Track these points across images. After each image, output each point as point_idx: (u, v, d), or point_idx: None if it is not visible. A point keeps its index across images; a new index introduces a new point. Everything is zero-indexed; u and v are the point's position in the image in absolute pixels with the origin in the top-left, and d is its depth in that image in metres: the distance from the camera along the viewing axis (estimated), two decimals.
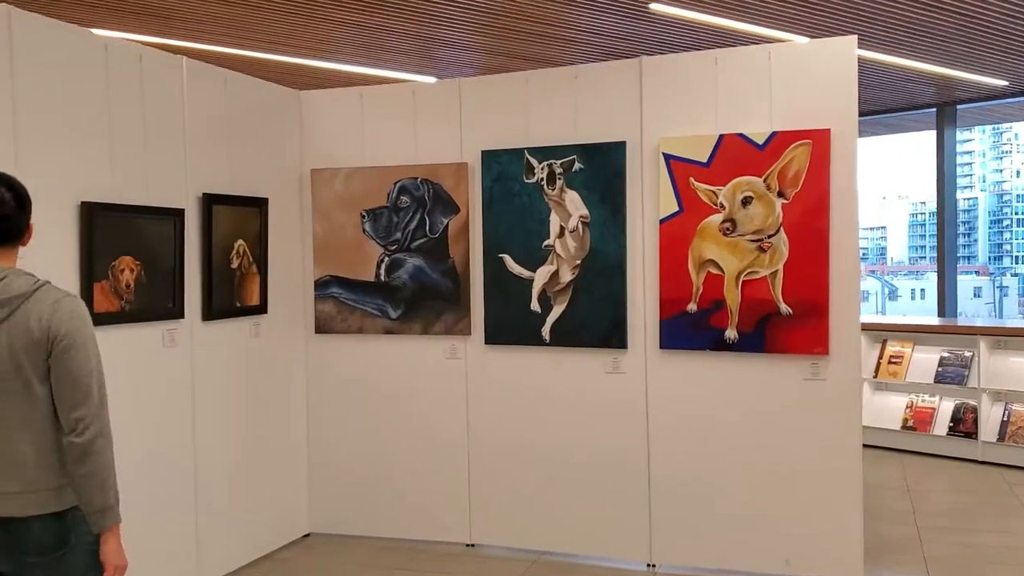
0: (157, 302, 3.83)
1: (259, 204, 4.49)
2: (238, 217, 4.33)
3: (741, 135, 4.01)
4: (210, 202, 4.14)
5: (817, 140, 3.88)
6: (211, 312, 4.16)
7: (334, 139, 4.84)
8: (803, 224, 3.91)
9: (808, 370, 3.97)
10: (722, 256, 4.05)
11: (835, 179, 3.90)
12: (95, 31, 3.63)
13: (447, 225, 4.62)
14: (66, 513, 2.18)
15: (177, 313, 3.94)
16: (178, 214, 3.93)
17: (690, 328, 4.12)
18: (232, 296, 4.31)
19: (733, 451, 4.11)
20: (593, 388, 4.36)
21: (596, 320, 4.30)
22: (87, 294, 3.46)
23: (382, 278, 4.74)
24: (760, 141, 3.97)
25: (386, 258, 4.73)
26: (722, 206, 4.04)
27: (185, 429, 4.04)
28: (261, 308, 4.53)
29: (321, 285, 4.85)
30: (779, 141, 3.94)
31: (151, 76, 3.84)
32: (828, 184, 3.89)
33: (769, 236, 3.96)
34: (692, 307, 4.11)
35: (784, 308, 3.95)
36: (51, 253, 3.33)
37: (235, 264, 4.33)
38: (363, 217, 4.76)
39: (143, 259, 3.74)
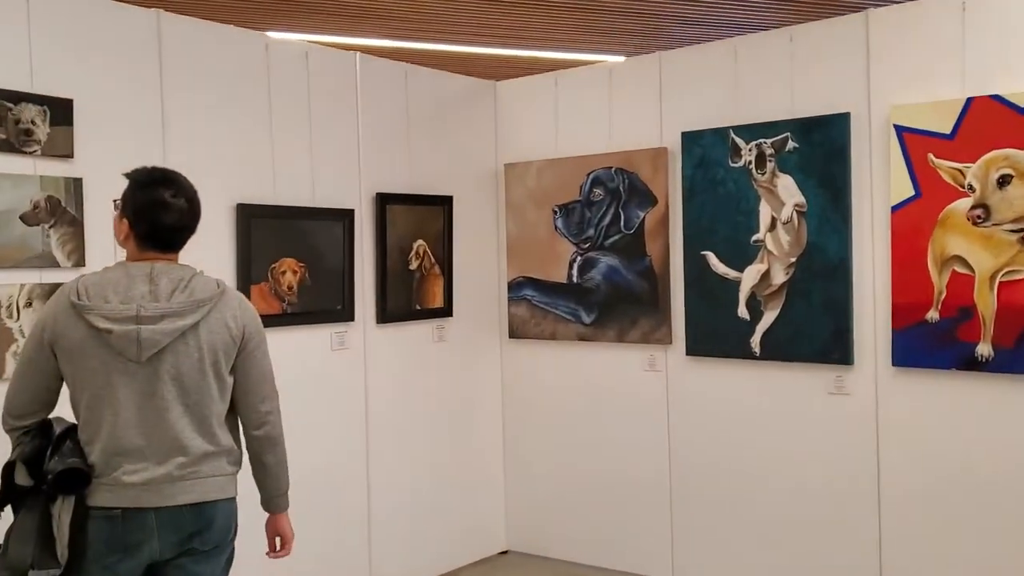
0: (323, 304, 3.78)
1: (442, 203, 4.33)
2: (418, 217, 4.20)
3: (996, 97, 3.20)
4: (384, 202, 4.03)
5: None
6: (386, 315, 4.05)
7: (528, 130, 4.59)
8: None
9: None
10: (972, 251, 3.25)
11: None
12: (271, 34, 3.62)
13: (643, 219, 4.18)
14: (234, 500, 2.29)
15: (346, 316, 3.87)
16: (347, 215, 3.85)
17: (930, 341, 3.36)
18: (410, 298, 4.19)
19: (990, 508, 3.30)
20: (811, 411, 3.72)
21: (814, 329, 3.66)
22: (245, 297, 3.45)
23: (574, 279, 4.41)
24: (1023, 103, 3.13)
25: (578, 257, 4.39)
26: (971, 188, 3.25)
27: (357, 434, 3.97)
28: (445, 311, 4.37)
29: (514, 287, 4.61)
30: None
31: (319, 74, 3.80)
32: None
33: None
34: (933, 315, 3.35)
35: None
36: (208, 255, 3.35)
37: (414, 265, 4.20)
38: (555, 213, 4.45)
39: (307, 261, 3.70)
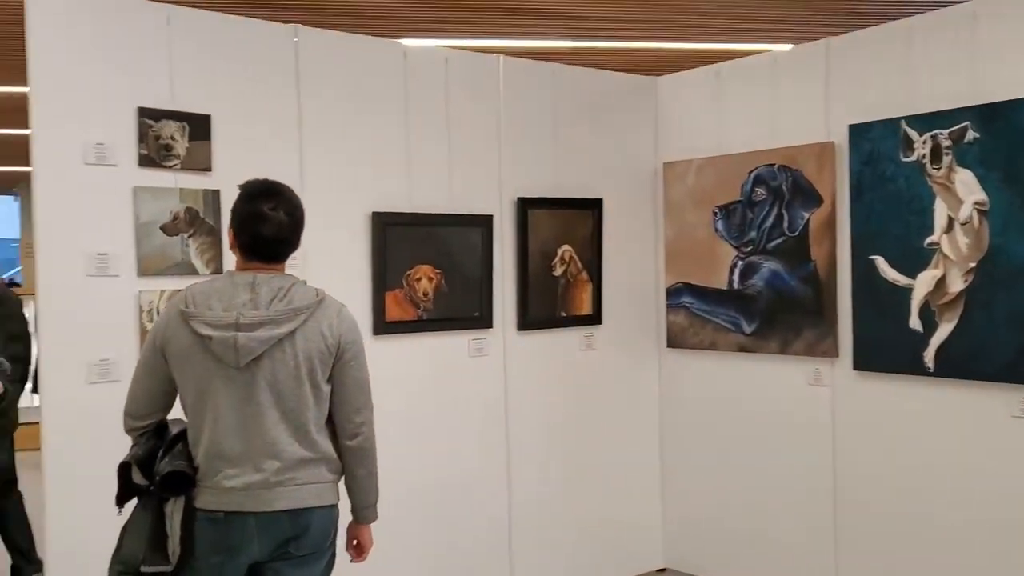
0: (460, 311, 3.79)
1: (591, 206, 4.22)
2: (563, 221, 4.12)
3: None
4: (526, 206, 3.98)
5: None
6: (527, 321, 4.00)
7: (689, 127, 4.39)
8: None
9: None
10: None
11: None
12: (405, 41, 3.69)
13: (808, 220, 3.87)
14: (335, 507, 2.35)
15: (484, 322, 3.85)
16: (485, 221, 3.83)
17: None
18: (555, 305, 4.11)
19: None
20: (992, 436, 3.28)
21: (997, 344, 3.23)
22: (378, 303, 3.52)
23: (735, 285, 4.15)
24: None
25: (739, 262, 4.13)
26: None
27: (497, 441, 3.94)
28: (594, 318, 4.25)
29: (673, 293, 4.42)
30: None
31: (459, 80, 3.81)
32: None
33: None
34: None
35: None
36: (343, 263, 3.46)
37: (558, 271, 4.12)
38: (715, 214, 4.22)
39: (444, 267, 3.72)
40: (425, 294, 3.68)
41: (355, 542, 2.47)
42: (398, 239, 3.59)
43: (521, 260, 3.99)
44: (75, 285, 2.82)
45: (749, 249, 4.09)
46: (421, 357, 3.68)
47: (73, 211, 2.83)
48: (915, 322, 3.47)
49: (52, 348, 2.82)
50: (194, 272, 3.09)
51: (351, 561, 2.48)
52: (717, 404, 4.28)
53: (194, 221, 3.10)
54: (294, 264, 2.46)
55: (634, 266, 4.44)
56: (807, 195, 3.86)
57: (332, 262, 3.42)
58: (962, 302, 3.33)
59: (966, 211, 3.31)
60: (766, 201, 4.02)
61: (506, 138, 3.97)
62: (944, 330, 3.39)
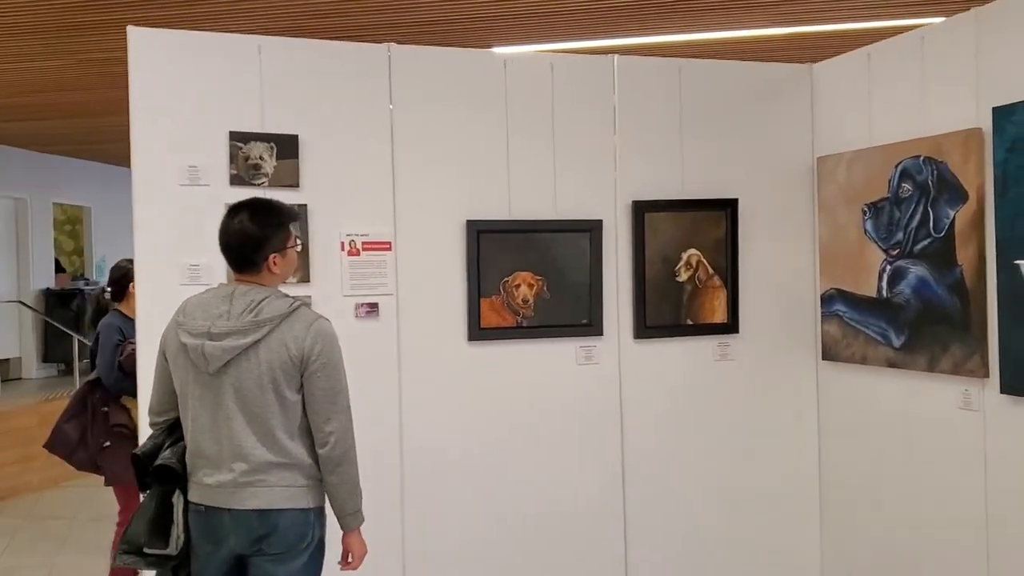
0: (566, 318, 3.78)
1: (723, 207, 3.99)
2: (688, 224, 3.95)
3: None
4: (642, 210, 3.87)
5: None
6: (645, 330, 3.88)
7: (842, 118, 4.00)
8: None
9: None
10: None
11: None
12: (497, 49, 3.74)
13: (953, 219, 3.38)
14: (310, 511, 2.48)
15: (594, 330, 3.80)
16: (594, 226, 3.78)
17: None
18: (678, 313, 3.94)
19: None
20: None
21: None
22: (474, 310, 3.61)
23: (884, 293, 3.73)
24: None
25: (888, 266, 3.71)
26: None
27: (611, 455, 3.85)
28: (729, 326, 4.02)
29: (826, 301, 4.05)
30: None
31: (567, 84, 3.80)
32: None
33: None
34: None
35: None
36: (439, 271, 3.60)
37: (683, 276, 3.95)
38: (864, 213, 3.81)
39: (546, 274, 3.73)
40: (524, 301, 3.71)
41: (350, 552, 2.57)
42: (494, 246, 3.65)
43: (637, 265, 3.87)
44: (171, 293, 3.20)
45: (896, 252, 3.64)
46: (520, 366, 3.71)
47: (169, 227, 3.23)
48: None
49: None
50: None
51: (341, 569, 2.57)
52: (870, 425, 3.86)
53: None
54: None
55: (783, 271, 4.11)
56: (953, 190, 3.37)
57: (427, 271, 3.57)
58: None
59: None
60: (912, 197, 3.56)
61: (623, 140, 3.87)
62: None
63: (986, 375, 3.25)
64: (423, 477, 3.57)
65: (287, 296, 2.50)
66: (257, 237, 2.47)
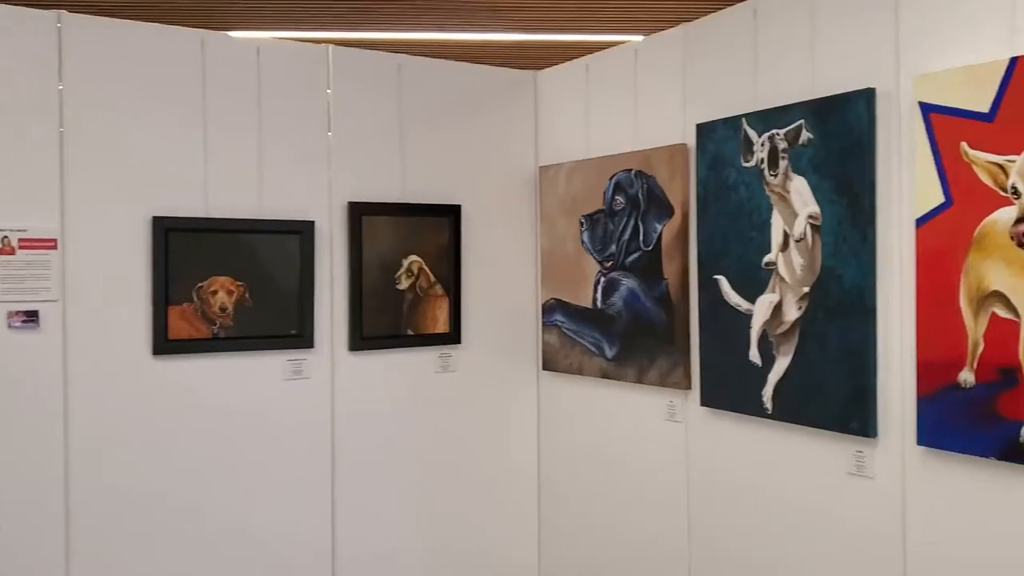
0: (271, 328, 3.47)
1: (446, 213, 3.85)
2: (410, 229, 3.76)
3: None
4: (359, 212, 3.64)
5: None
6: (361, 341, 3.65)
7: (562, 128, 3.97)
8: None
9: None
10: (1017, 287, 2.22)
11: None
12: (233, 33, 3.40)
13: (661, 233, 3.42)
14: None
15: (304, 341, 3.52)
16: (304, 228, 3.50)
17: (964, 415, 2.35)
18: (399, 322, 3.75)
19: None
20: (828, 493, 2.79)
21: (831, 386, 2.74)
22: (161, 319, 3.22)
23: (599, 304, 3.73)
24: None
25: (602, 277, 3.71)
26: (1015, 192, 2.21)
27: (320, 477, 3.59)
28: (451, 337, 3.87)
29: (547, 311, 4.01)
30: None
31: (276, 73, 3.50)
32: None
33: None
34: (967, 377, 2.34)
35: None
36: (117, 273, 3.18)
37: (404, 284, 3.76)
38: (582, 224, 3.80)
39: (248, 279, 3.40)
40: (223, 309, 3.37)
41: None
42: (186, 247, 3.29)
43: (354, 272, 3.65)
44: None
45: (610, 264, 3.66)
46: (219, 381, 3.37)
47: None
48: (754, 354, 3.00)
49: None
50: None
51: None
52: (585, 434, 3.86)
53: None
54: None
55: (507, 280, 4.04)
56: (661, 204, 3.42)
57: (104, 274, 3.15)
58: (797, 333, 2.85)
59: (800, 226, 2.82)
60: (624, 211, 3.58)
61: (338, 138, 3.62)
62: (781, 365, 2.91)
63: (688, 387, 3.31)
64: (98, 521, 3.12)
65: None
66: None
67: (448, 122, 3.88)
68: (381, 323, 3.72)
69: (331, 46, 3.62)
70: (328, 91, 3.60)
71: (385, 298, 3.72)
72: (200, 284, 3.33)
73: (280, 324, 3.49)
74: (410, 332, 3.80)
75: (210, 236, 3.33)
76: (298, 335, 3.52)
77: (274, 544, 3.47)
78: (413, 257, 3.79)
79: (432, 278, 3.83)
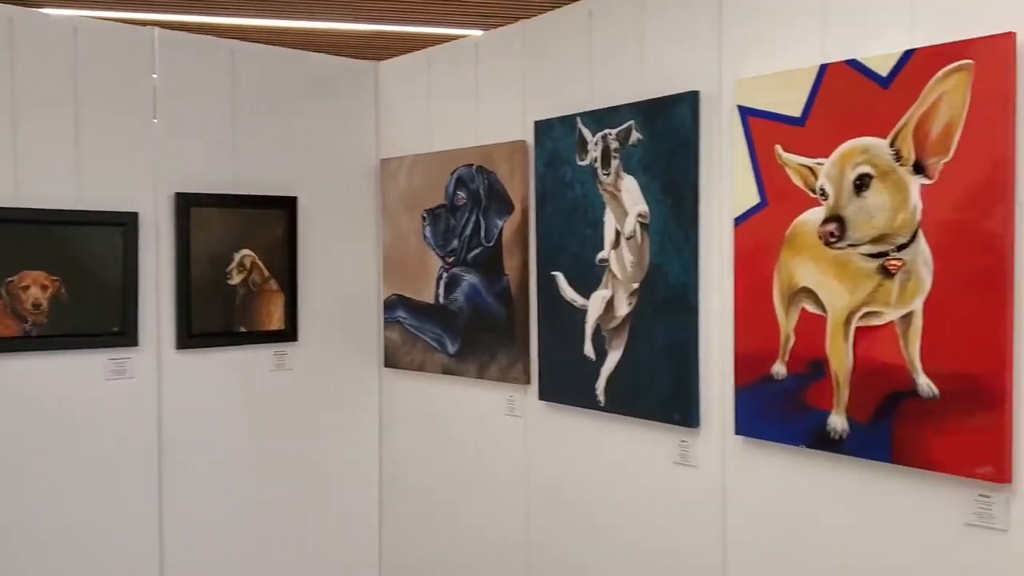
0: (90, 326, 3.30)
1: (282, 205, 3.76)
2: (243, 222, 3.66)
3: (853, 63, 2.29)
4: (187, 203, 3.50)
5: (985, 58, 2.04)
6: (190, 338, 3.52)
7: (404, 121, 3.95)
8: (960, 225, 2.09)
9: (971, 507, 2.12)
10: (823, 283, 2.36)
11: None
12: (47, 11, 3.20)
13: (502, 229, 3.45)
14: None
15: (127, 339, 3.36)
16: (127, 219, 3.35)
17: (777, 405, 2.48)
18: (230, 319, 3.64)
19: None
20: (657, 483, 2.90)
21: (657, 379, 2.84)
22: None
23: (441, 300, 3.73)
24: (884, 71, 2.22)
25: (444, 273, 3.71)
26: (823, 193, 2.35)
27: (145, 484, 3.45)
28: (287, 334, 3.79)
29: (389, 307, 3.98)
30: (915, 68, 2.16)
31: (97, 54, 3.33)
32: (1012, 145, 2.02)
33: (899, 247, 2.20)
34: (779, 369, 2.47)
35: (924, 384, 2.16)
36: None
37: (235, 279, 3.64)
38: (424, 219, 3.78)
39: (65, 273, 3.22)
40: (36, 305, 3.18)
41: None
42: None
43: (181, 266, 3.51)
44: None
45: (452, 260, 3.67)
46: (32, 382, 3.18)
47: None
48: (588, 349, 3.07)
49: None
50: None
51: None
52: (428, 431, 3.86)
53: None
54: None
55: (347, 275, 3.99)
56: (501, 200, 3.45)
57: None
58: (627, 328, 2.94)
59: (630, 224, 2.91)
60: (466, 206, 3.60)
61: (165, 125, 3.48)
62: (612, 359, 2.99)
63: (528, 382, 3.37)
64: None
65: None
66: None
67: (285, 112, 3.79)
68: (211, 320, 3.60)
69: (157, 29, 3.48)
70: (154, 76, 3.45)
71: (216, 294, 3.61)
72: (10, 279, 3.13)
73: (101, 321, 3.32)
74: (243, 329, 3.69)
75: (21, 228, 3.14)
76: (120, 332, 3.36)
77: (96, 556, 3.31)
78: (246, 251, 3.68)
79: (266, 273, 3.74)
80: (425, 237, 3.78)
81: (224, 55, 3.61)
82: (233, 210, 3.63)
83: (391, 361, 3.98)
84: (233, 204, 3.63)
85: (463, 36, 3.66)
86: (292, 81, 3.81)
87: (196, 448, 3.56)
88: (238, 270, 3.66)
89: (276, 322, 3.78)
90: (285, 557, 3.80)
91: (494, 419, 3.52)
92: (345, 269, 3.98)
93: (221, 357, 3.64)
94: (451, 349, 3.67)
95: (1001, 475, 2.04)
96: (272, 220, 3.75)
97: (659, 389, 2.82)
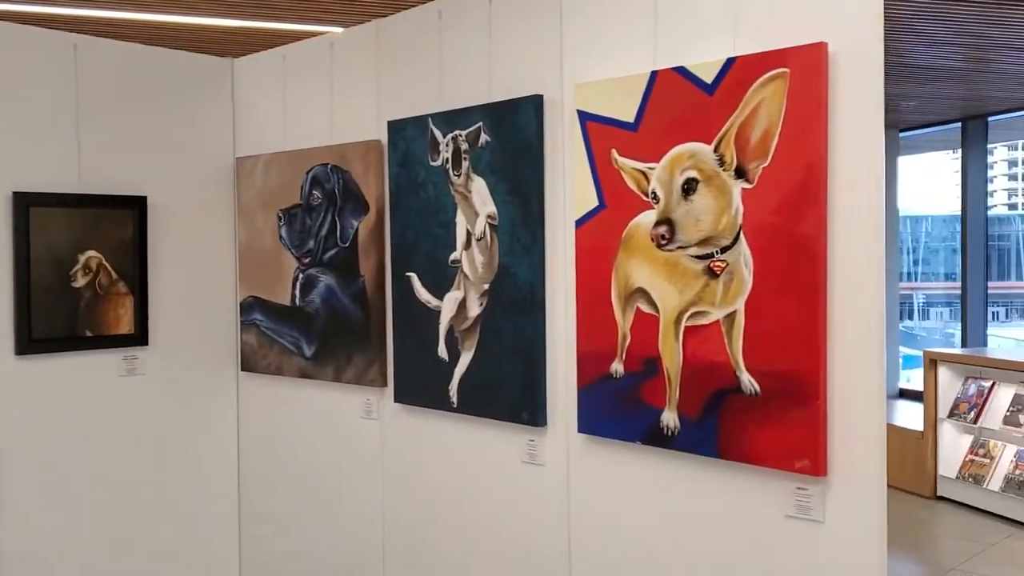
0: None
1: (130, 205, 3.66)
2: (85, 222, 3.54)
3: (681, 70, 2.38)
4: (26, 203, 3.38)
5: (801, 66, 2.16)
6: (31, 344, 3.40)
7: (260, 119, 3.89)
8: (777, 227, 2.21)
9: (791, 499, 2.25)
10: (656, 284, 2.45)
11: (840, 138, 2.14)
12: None
13: (357, 229, 3.45)
14: None
15: None
16: None
17: (616, 403, 2.57)
18: (74, 323, 3.52)
19: None
20: (506, 482, 2.95)
21: (507, 379, 2.89)
22: None
23: (297, 301, 3.69)
24: (709, 78, 2.32)
25: (300, 274, 3.68)
26: (655, 197, 2.44)
27: None
28: (137, 338, 3.69)
29: (245, 309, 3.92)
30: (737, 76, 2.26)
31: None
32: (824, 150, 2.14)
33: (723, 249, 2.30)
34: (617, 368, 2.56)
35: (747, 381, 2.27)
36: None
37: (80, 282, 3.53)
38: (280, 219, 3.74)
39: None
40: None
41: None
42: None
43: (20, 269, 3.39)
44: None
45: (308, 260, 3.64)
46: None
47: None
48: (442, 350, 3.11)
49: None
50: None
51: None
52: (285, 436, 3.83)
53: None
54: None
55: (202, 277, 3.91)
56: (356, 201, 3.45)
57: None
58: (478, 329, 2.98)
59: (480, 225, 2.96)
60: (322, 206, 3.58)
61: (2, 121, 3.35)
62: (464, 360, 3.03)
63: (384, 384, 3.38)
64: None
65: None
66: None
67: (134, 109, 3.70)
68: (54, 324, 3.49)
69: None
70: None
71: (58, 297, 3.50)
72: None
73: None
74: (88, 333, 3.59)
75: None
76: None
77: None
78: (91, 252, 3.58)
79: (114, 275, 3.64)
80: (281, 237, 3.74)
81: (66, 49, 3.50)
82: (77, 210, 3.52)
83: (248, 365, 3.92)
84: (77, 204, 3.52)
85: (323, 33, 3.64)
86: (142, 77, 3.72)
87: (38, 457, 3.44)
88: (83, 272, 3.56)
89: (125, 326, 3.68)
90: (138, 564, 3.71)
91: (351, 422, 3.52)
92: (200, 270, 3.90)
93: (65, 363, 3.53)
94: (308, 352, 3.65)
95: (817, 469, 2.16)
96: (120, 220, 3.65)
97: (508, 389, 2.88)
